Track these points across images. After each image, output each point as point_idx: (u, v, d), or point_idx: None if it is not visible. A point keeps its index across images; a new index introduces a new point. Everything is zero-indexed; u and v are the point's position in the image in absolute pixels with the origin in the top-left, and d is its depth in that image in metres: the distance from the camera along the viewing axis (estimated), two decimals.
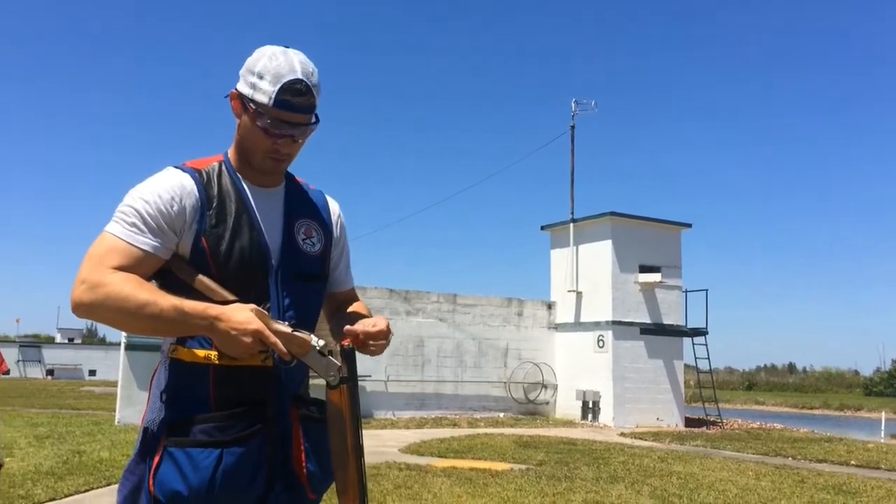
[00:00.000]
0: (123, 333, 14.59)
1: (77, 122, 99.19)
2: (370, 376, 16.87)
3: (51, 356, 43.05)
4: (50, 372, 41.52)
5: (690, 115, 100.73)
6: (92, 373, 41.65)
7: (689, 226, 19.77)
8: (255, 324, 1.51)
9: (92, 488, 7.20)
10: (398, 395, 17.34)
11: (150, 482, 1.57)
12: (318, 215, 1.86)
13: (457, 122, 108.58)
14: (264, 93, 1.64)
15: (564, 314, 19.48)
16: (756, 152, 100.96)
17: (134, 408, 14.20)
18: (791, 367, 69.38)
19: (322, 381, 1.65)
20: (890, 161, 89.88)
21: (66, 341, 48.45)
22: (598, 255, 18.68)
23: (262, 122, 1.66)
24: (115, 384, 18.46)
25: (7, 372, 2.31)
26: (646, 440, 14.23)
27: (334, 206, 1.94)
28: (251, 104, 1.67)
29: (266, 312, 1.58)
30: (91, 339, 58.56)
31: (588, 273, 18.91)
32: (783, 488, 8.47)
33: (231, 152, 1.79)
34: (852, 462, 11.49)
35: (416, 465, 9.19)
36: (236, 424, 1.60)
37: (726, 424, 19.15)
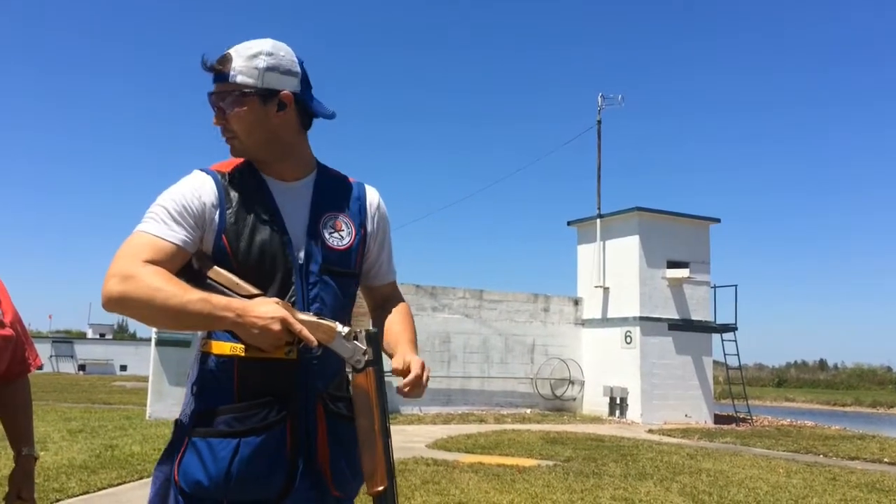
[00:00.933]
0: (154, 329, 14.79)
1: (108, 116, 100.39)
2: None
3: (83, 351, 43.70)
4: (82, 367, 42.13)
5: (720, 108, 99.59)
6: (123, 368, 42.21)
7: (718, 220, 19.57)
8: (280, 312, 1.53)
9: (125, 482, 7.31)
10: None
11: (176, 472, 1.61)
12: (350, 208, 1.83)
13: (483, 118, 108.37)
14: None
15: (591, 310, 19.38)
16: (787, 144, 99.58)
17: (164, 402, 14.38)
18: (822, 364, 68.45)
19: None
20: None
21: (98, 337, 49.20)
22: (625, 251, 18.55)
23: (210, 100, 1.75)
24: (145, 379, 18.69)
25: (41, 367, 2.34)
26: (674, 437, 14.13)
27: (373, 198, 1.90)
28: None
29: (290, 304, 1.60)
30: (122, 335, 59.39)
31: (615, 268, 18.79)
32: (815, 486, 8.37)
33: None
34: (885, 460, 11.31)
35: (443, 461, 9.21)
36: (255, 415, 1.60)
37: (756, 421, 18.96)
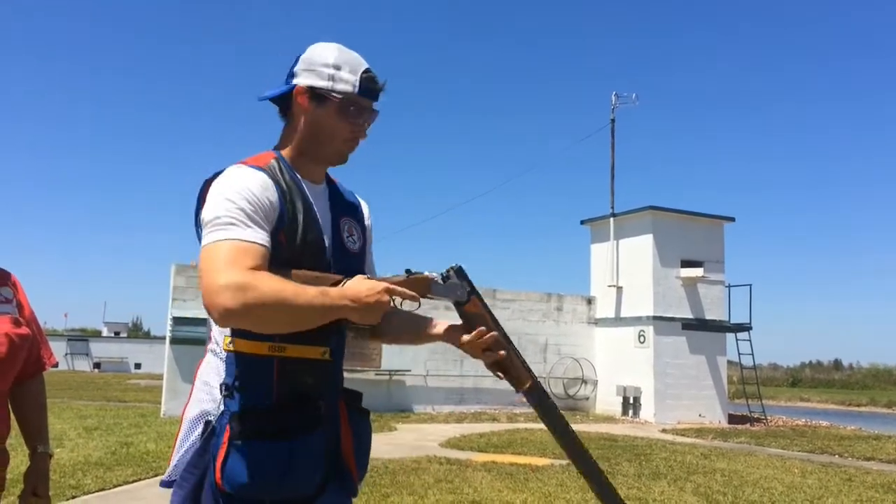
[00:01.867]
0: (168, 328, 14.88)
1: (124, 112, 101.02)
2: (409, 371, 16.94)
3: (97, 349, 43.97)
4: (97, 365, 42.39)
5: (734, 105, 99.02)
6: (137, 366, 42.42)
7: (733, 219, 19.45)
8: (382, 284, 1.62)
9: (140, 479, 7.36)
10: (438, 390, 17.38)
11: (218, 476, 1.58)
12: (356, 213, 1.92)
13: (496, 116, 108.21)
14: (347, 82, 1.73)
15: (605, 309, 19.33)
16: (801, 142, 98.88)
17: (178, 400, 14.44)
18: (837, 364, 67.91)
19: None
20: None
21: (113, 335, 49.49)
22: (638, 250, 18.49)
23: (347, 110, 1.74)
24: (159, 377, 18.81)
25: (55, 365, 2.36)
26: (688, 437, 14.07)
27: (365, 205, 2.00)
28: (333, 94, 1.73)
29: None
30: (136, 333, 59.75)
31: (629, 268, 18.73)
32: (830, 486, 8.31)
33: (286, 149, 1.80)
34: None
35: (456, 460, 9.22)
36: (301, 417, 1.62)
37: (770, 421, 18.85)
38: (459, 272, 1.73)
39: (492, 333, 1.76)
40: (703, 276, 18.26)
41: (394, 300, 1.67)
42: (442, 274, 1.73)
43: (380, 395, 16.02)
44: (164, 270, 15.73)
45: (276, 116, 1.84)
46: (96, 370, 41.26)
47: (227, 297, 1.46)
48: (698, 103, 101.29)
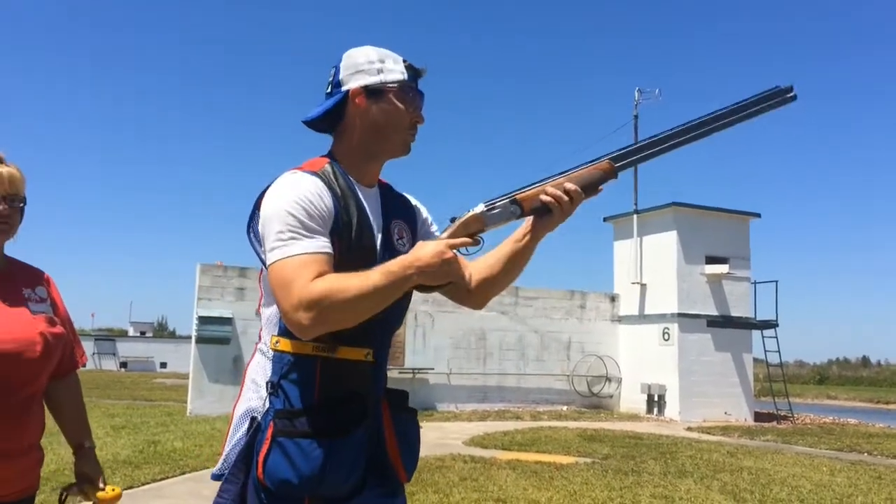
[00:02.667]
0: (194, 327, 15.02)
1: (147, 110, 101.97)
2: (433, 369, 16.95)
3: (124, 349, 44.45)
4: (123, 364, 42.86)
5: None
6: (163, 365, 42.84)
7: (758, 215, 19.25)
8: (441, 242, 1.63)
9: (167, 477, 7.44)
10: (461, 388, 17.38)
11: (260, 470, 1.62)
12: (408, 215, 1.93)
13: (521, 111, 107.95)
14: (395, 71, 1.79)
15: (628, 306, 19.22)
16: (829, 138, 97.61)
17: (204, 399, 14.59)
18: (865, 361, 67.03)
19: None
20: None
21: (139, 334, 49.99)
22: (662, 247, 18.35)
23: (406, 96, 1.79)
24: (185, 376, 18.98)
25: (86, 364, 2.40)
26: (714, 435, 13.95)
27: (419, 206, 2.02)
28: (390, 85, 1.78)
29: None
30: (162, 333, 60.33)
31: (652, 265, 18.61)
32: (859, 484, 8.20)
33: (342, 153, 1.83)
34: None
35: (480, 458, 9.21)
36: (343, 417, 1.66)
37: (797, 419, 18.65)
38: (490, 203, 1.77)
39: (554, 192, 1.75)
40: (728, 273, 18.09)
41: (458, 251, 1.70)
42: (485, 204, 1.76)
43: None
44: (190, 270, 15.90)
45: (293, 119, 1.86)
46: (123, 369, 41.74)
47: (302, 317, 1.54)
48: (722, 97, 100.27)
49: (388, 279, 1.57)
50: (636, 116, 20.22)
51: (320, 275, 1.57)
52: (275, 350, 1.71)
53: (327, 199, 1.68)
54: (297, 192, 1.65)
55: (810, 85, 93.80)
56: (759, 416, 18.50)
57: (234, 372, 14.70)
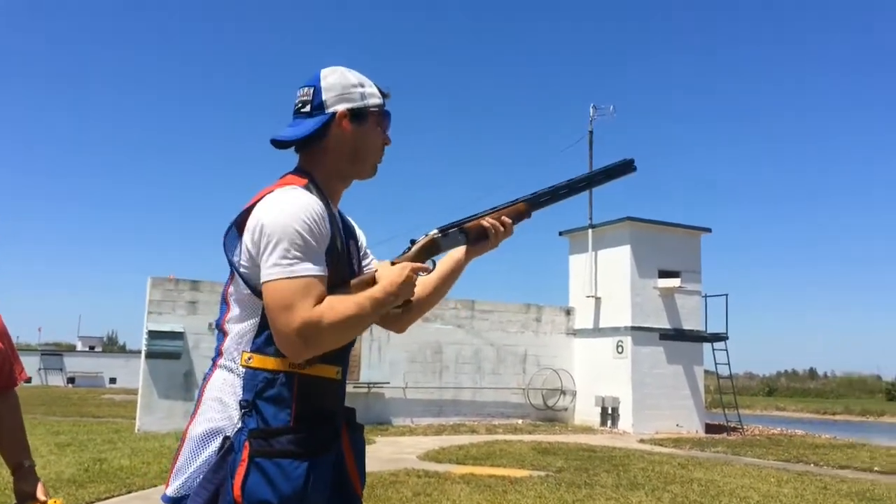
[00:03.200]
0: (143, 342, 14.75)
1: (92, 122, 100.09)
2: (388, 383, 16.88)
3: (72, 364, 43.35)
4: (71, 380, 41.79)
5: (710, 118, 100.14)
6: (112, 380, 41.84)
7: (709, 230, 19.65)
8: (407, 266, 1.76)
9: (113, 496, 7.26)
10: (416, 402, 17.33)
11: (237, 493, 1.57)
12: (355, 237, 1.98)
13: (474, 129, 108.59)
14: (374, 95, 1.86)
15: (583, 320, 19.40)
16: (776, 155, 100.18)
17: (153, 416, 14.30)
18: (812, 373, 68.57)
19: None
20: None
21: (87, 349, 48.81)
22: (616, 261, 18.60)
23: (382, 121, 1.87)
24: (135, 392, 18.57)
25: (28, 380, 2.35)
26: (666, 446, 14.13)
27: (360, 231, 2.06)
28: (372, 109, 1.85)
29: (387, 263, 1.86)
30: (111, 348, 59.02)
31: (607, 278, 18.84)
32: (806, 495, 8.38)
33: (318, 174, 1.82)
34: (875, 468, 11.35)
35: (434, 472, 9.18)
36: (319, 436, 1.65)
37: (747, 430, 18.98)
38: (443, 229, 1.94)
39: (493, 223, 1.96)
40: (679, 287, 18.40)
41: (418, 273, 1.81)
42: (439, 230, 1.94)
43: (358, 407, 15.60)
44: (141, 283, 15.60)
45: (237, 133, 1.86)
46: (70, 385, 40.69)
47: (302, 339, 1.58)
48: (674, 115, 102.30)
49: (375, 305, 1.67)
50: (591, 132, 20.52)
51: (320, 298, 1.61)
52: (246, 367, 1.67)
53: (327, 221, 1.70)
54: (305, 211, 1.66)
55: (756, 102, 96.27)
56: (709, 428, 18.79)
57: (186, 387, 14.45)
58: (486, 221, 1.96)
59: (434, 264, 1.92)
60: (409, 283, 1.74)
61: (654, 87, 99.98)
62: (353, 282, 1.76)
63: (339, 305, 1.61)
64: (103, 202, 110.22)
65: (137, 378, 15.65)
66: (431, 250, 1.91)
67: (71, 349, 49.55)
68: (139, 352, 16.38)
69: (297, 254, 1.61)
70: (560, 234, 20.62)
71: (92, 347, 49.80)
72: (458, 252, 2.02)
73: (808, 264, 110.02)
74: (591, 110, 20.59)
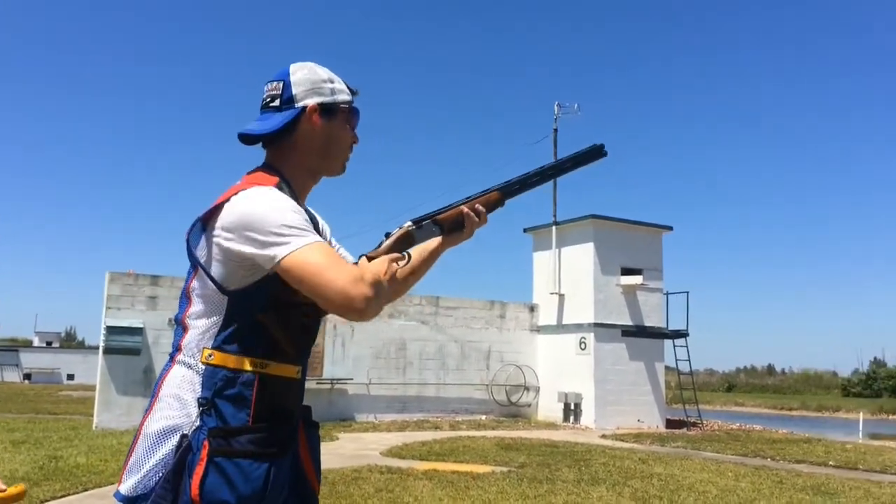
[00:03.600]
0: (101, 338, 14.49)
1: (48, 113, 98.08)
2: (352, 379, 16.81)
3: (28, 360, 42.53)
4: (27, 376, 41.00)
5: (672, 119, 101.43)
6: (70, 377, 41.12)
7: (671, 228, 19.89)
8: (385, 258, 1.73)
9: (68, 494, 7.12)
10: (380, 399, 17.28)
11: (195, 492, 1.54)
12: (318, 229, 1.93)
13: (439, 128, 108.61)
14: (344, 91, 1.84)
15: (547, 316, 19.52)
16: (736, 155, 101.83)
17: (111, 413, 14.06)
18: (770, 369, 69.85)
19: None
20: (866, 164, 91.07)
21: (44, 345, 47.89)
22: (580, 258, 18.73)
23: (351, 118, 1.86)
24: (93, 388, 18.24)
25: None
26: (627, 442, 14.28)
27: (326, 225, 2.04)
28: (343, 106, 1.83)
29: (371, 256, 1.82)
30: (69, 343, 57.92)
31: (570, 275, 18.96)
32: (762, 489, 8.53)
33: (287, 170, 1.80)
34: (830, 463, 11.59)
35: (397, 469, 9.16)
36: (279, 437, 1.63)
37: (706, 426, 19.27)
38: (417, 221, 1.92)
39: (467, 212, 1.94)
40: (642, 284, 18.60)
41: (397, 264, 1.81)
42: (412, 222, 1.91)
43: (321, 403, 15.83)
44: (100, 278, 15.32)
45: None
46: (27, 381, 39.90)
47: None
48: (639, 113, 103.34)
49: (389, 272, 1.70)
50: (556, 130, 20.63)
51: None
52: (207, 364, 1.63)
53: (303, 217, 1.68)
54: (290, 204, 1.64)
55: (720, 103, 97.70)
56: (670, 423, 19.04)
57: (145, 384, 14.23)
58: (462, 212, 1.94)
59: (409, 256, 1.89)
60: (392, 275, 1.73)
61: (619, 86, 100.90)
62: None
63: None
64: (61, 196, 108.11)
65: (95, 374, 15.35)
66: (406, 242, 1.89)
67: (27, 345, 48.59)
68: (97, 348, 16.07)
69: (301, 227, 1.59)
70: (524, 231, 20.71)
71: (49, 343, 48.90)
72: (433, 242, 2.00)
73: (767, 263, 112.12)
74: (556, 108, 20.72)
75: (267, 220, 1.58)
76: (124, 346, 14.36)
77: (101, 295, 14.99)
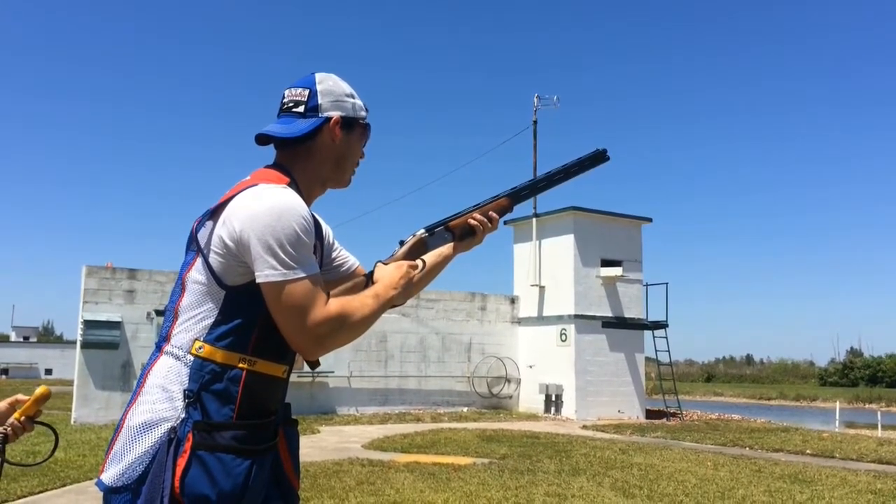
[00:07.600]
0: (79, 332, 14.35)
1: (34, 107, 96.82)
2: (333, 372, 16.77)
3: (5, 355, 42.01)
4: (4, 371, 40.51)
5: (653, 112, 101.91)
6: (48, 372, 40.67)
7: (650, 220, 20.00)
8: (403, 265, 1.84)
9: (46, 489, 7.07)
10: (361, 391, 17.27)
11: (177, 483, 1.53)
12: (321, 235, 1.94)
13: (419, 120, 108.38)
14: (362, 108, 1.89)
15: (527, 308, 19.57)
16: (715, 148, 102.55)
17: (90, 407, 13.94)
18: (749, 359, 70.65)
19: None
20: (842, 155, 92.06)
21: (22, 339, 47.33)
22: (560, 250, 18.79)
23: (366, 134, 1.91)
24: (71, 383, 18.06)
25: None
26: (607, 432, 14.37)
27: (328, 227, 2.05)
28: (361, 122, 1.88)
29: (385, 261, 1.92)
30: (47, 338, 57.32)
31: (550, 267, 19.02)
32: (741, 478, 8.61)
33: (299, 175, 1.81)
34: (808, 451, 11.73)
35: (378, 461, 9.17)
36: (263, 434, 1.64)
37: (686, 416, 19.42)
38: (430, 228, 2.01)
39: (480, 219, 2.04)
40: (622, 276, 18.69)
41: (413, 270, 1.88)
42: (426, 229, 2.01)
43: (303, 397, 15.80)
44: (76, 272, 15.16)
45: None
46: (4, 376, 39.42)
47: (316, 342, 1.62)
48: (619, 105, 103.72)
49: (380, 303, 1.73)
50: (535, 122, 20.65)
51: (326, 296, 1.63)
52: (195, 356, 1.61)
53: (311, 223, 1.69)
54: (298, 211, 1.64)
55: (703, 96, 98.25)
56: (650, 414, 19.18)
57: (123, 378, 14.12)
58: (474, 218, 2.03)
59: (424, 263, 1.94)
60: (409, 282, 1.81)
61: (600, 79, 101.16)
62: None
63: (347, 304, 1.65)
64: (36, 189, 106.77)
65: (73, 369, 15.20)
66: (420, 250, 1.97)
67: (4, 339, 48.02)
68: (75, 342, 15.91)
69: (300, 254, 1.60)
70: (505, 223, 20.65)
71: (27, 338, 48.30)
72: (446, 249, 2.05)
73: (746, 255, 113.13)
74: (536, 100, 20.73)
75: (270, 234, 1.58)
76: (102, 340, 14.23)
77: (78, 289, 14.85)
